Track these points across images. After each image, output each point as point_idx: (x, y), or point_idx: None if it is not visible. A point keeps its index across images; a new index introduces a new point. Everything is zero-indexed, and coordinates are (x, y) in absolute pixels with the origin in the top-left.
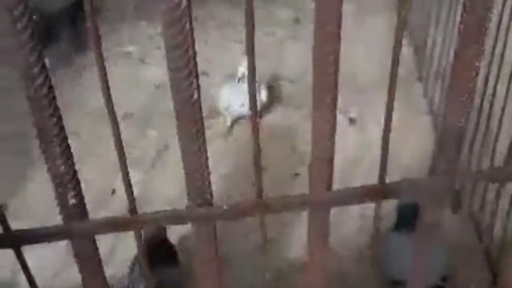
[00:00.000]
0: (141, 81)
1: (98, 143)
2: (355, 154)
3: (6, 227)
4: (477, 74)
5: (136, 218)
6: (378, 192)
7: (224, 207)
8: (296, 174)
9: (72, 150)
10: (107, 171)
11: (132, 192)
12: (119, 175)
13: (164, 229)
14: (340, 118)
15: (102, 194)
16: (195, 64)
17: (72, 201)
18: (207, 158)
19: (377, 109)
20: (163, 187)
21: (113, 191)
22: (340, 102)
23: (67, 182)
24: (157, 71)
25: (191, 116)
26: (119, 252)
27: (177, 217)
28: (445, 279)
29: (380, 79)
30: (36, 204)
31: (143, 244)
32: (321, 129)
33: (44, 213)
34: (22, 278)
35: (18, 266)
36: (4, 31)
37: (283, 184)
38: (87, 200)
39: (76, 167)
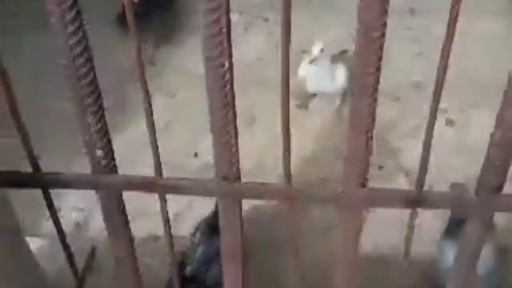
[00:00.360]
0: (242, 51)
1: (190, 104)
2: (444, 157)
3: (37, 168)
4: None
5: (161, 181)
6: (413, 199)
7: (250, 185)
8: (380, 167)
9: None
10: (194, 134)
11: (158, 156)
12: (204, 139)
13: None
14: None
15: (185, 156)
16: (229, 43)
17: (99, 153)
18: (236, 133)
19: (479, 115)
20: (243, 158)
21: (196, 154)
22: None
23: (94, 133)
24: (259, 42)
25: (220, 88)
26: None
27: (203, 188)
28: None
29: (488, 85)
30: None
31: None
32: (357, 126)
33: None
34: (96, 220)
35: (94, 209)
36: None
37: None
38: (170, 159)
39: (165, 126)
